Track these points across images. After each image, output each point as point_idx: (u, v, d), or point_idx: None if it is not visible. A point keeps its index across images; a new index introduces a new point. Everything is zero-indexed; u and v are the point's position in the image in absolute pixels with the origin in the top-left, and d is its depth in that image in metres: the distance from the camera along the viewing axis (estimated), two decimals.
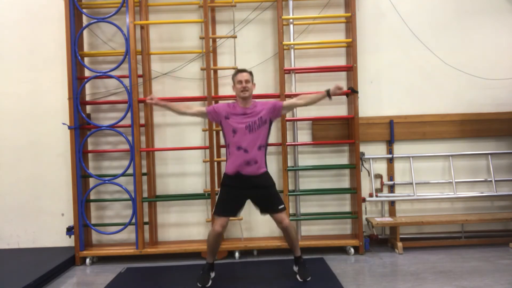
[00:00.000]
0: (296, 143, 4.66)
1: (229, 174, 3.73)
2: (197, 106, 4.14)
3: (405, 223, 4.56)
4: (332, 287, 3.59)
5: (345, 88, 3.74)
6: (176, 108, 3.90)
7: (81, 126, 4.53)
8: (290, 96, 4.59)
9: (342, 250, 4.54)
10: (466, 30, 4.83)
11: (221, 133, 4.53)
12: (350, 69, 4.55)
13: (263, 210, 3.78)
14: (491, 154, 4.79)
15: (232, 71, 4.56)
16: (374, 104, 4.79)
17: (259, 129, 3.70)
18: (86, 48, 4.74)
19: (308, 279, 3.74)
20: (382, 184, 4.80)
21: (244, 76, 3.72)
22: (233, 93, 3.87)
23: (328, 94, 3.73)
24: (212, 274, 3.84)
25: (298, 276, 3.78)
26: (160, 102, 3.88)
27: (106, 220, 4.78)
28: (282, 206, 3.73)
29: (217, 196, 3.88)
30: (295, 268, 3.85)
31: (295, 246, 3.81)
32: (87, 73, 4.66)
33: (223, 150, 4.54)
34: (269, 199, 3.73)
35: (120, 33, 4.54)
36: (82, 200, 4.48)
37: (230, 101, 3.92)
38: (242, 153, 3.65)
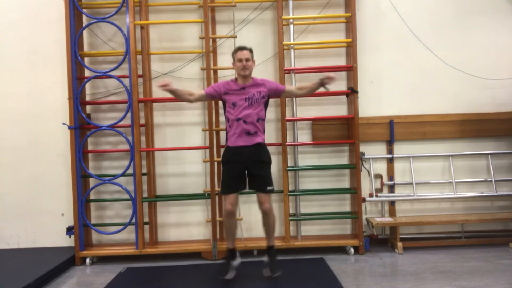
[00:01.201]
0: (296, 143, 4.66)
1: (230, 147, 3.77)
2: (197, 91, 4.01)
3: (405, 223, 4.56)
4: (332, 287, 3.59)
5: (335, 81, 3.78)
6: (182, 95, 3.85)
7: (81, 126, 4.53)
8: (290, 96, 4.60)
9: (342, 250, 4.54)
10: (466, 30, 4.83)
11: (221, 132, 4.55)
12: (350, 69, 4.55)
13: (252, 186, 3.79)
14: (491, 154, 4.79)
15: (232, 71, 4.60)
16: (374, 104, 4.79)
17: (258, 103, 3.74)
18: (86, 48, 4.74)
19: (276, 275, 3.69)
20: (382, 184, 4.80)
21: (244, 54, 3.72)
22: None
23: (323, 83, 3.75)
24: (235, 263, 3.82)
25: (265, 271, 3.74)
26: (172, 87, 3.73)
27: (106, 220, 4.78)
28: (270, 188, 3.76)
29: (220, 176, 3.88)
30: (266, 260, 3.83)
31: (271, 234, 3.83)
32: (87, 73, 4.66)
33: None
34: (261, 177, 3.75)
35: (120, 33, 4.54)
36: (82, 200, 4.48)
37: (229, 79, 3.95)
38: (241, 123, 3.70)
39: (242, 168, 3.76)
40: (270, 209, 3.75)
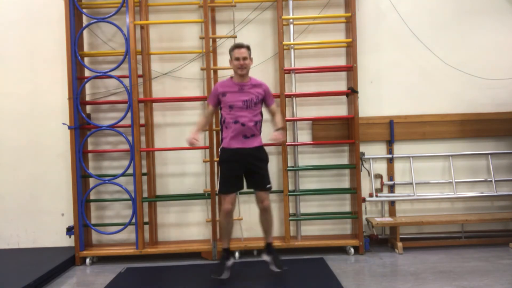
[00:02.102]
0: (296, 143, 4.66)
1: (226, 148, 3.75)
2: (207, 110, 3.95)
3: (405, 223, 4.56)
4: (332, 287, 3.59)
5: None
6: (205, 125, 3.90)
7: (81, 126, 4.53)
8: (290, 96, 4.60)
9: (342, 250, 4.54)
10: (466, 30, 4.83)
11: (221, 133, 4.55)
12: (350, 69, 4.55)
13: (251, 184, 3.80)
14: (491, 154, 4.79)
15: (232, 72, 4.59)
16: (374, 104, 4.78)
17: (256, 106, 3.73)
18: (86, 48, 4.74)
19: (284, 269, 3.73)
20: (382, 184, 4.80)
21: (242, 53, 3.66)
22: None
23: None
24: (230, 262, 3.83)
25: (273, 267, 3.76)
26: (197, 134, 3.70)
27: (106, 220, 4.78)
28: (269, 186, 3.78)
29: (218, 176, 3.87)
30: (267, 258, 3.85)
31: (269, 231, 3.85)
32: (87, 73, 4.66)
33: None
34: (260, 175, 3.76)
35: (120, 33, 4.54)
36: (82, 200, 4.48)
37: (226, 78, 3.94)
38: (239, 126, 3.68)
39: (240, 168, 3.76)
40: (269, 206, 3.78)
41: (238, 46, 3.71)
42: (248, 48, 3.73)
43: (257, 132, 3.77)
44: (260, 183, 3.77)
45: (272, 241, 3.90)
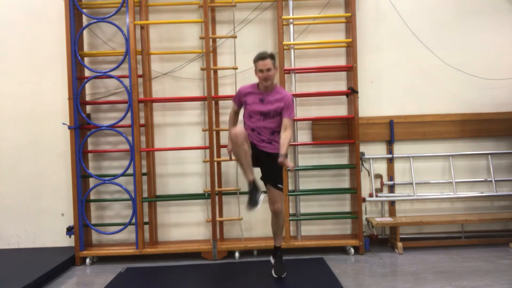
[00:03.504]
0: (296, 143, 4.66)
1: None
2: (233, 109, 3.92)
3: (405, 223, 4.56)
4: (332, 287, 3.59)
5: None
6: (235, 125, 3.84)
7: (81, 126, 4.53)
8: None
9: (342, 250, 4.54)
10: (466, 30, 4.83)
11: (221, 133, 4.56)
12: (350, 69, 4.55)
13: (264, 178, 3.74)
14: (491, 154, 4.79)
15: (232, 72, 4.60)
16: (374, 104, 4.79)
17: (274, 118, 3.68)
18: (86, 48, 4.74)
19: (283, 276, 3.74)
20: (382, 184, 4.80)
21: (265, 64, 3.57)
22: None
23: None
24: (259, 196, 3.59)
25: (273, 272, 3.79)
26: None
27: (106, 220, 4.78)
28: (280, 186, 3.70)
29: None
30: (272, 260, 3.89)
31: (279, 235, 3.85)
32: (87, 73, 4.66)
33: (223, 150, 4.55)
34: (274, 171, 3.68)
35: (120, 33, 4.54)
36: (82, 200, 4.48)
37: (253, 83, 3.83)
38: (256, 134, 3.70)
39: (254, 152, 3.64)
40: (281, 209, 3.74)
41: (262, 57, 3.60)
42: (272, 57, 3.63)
43: (275, 140, 3.69)
44: (272, 179, 3.67)
45: (280, 245, 3.89)
